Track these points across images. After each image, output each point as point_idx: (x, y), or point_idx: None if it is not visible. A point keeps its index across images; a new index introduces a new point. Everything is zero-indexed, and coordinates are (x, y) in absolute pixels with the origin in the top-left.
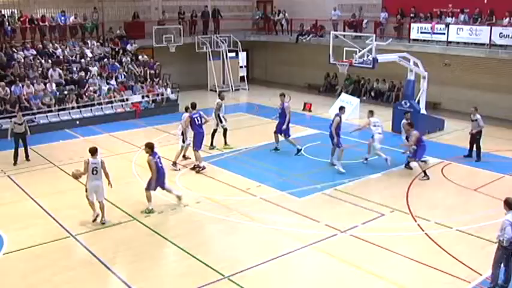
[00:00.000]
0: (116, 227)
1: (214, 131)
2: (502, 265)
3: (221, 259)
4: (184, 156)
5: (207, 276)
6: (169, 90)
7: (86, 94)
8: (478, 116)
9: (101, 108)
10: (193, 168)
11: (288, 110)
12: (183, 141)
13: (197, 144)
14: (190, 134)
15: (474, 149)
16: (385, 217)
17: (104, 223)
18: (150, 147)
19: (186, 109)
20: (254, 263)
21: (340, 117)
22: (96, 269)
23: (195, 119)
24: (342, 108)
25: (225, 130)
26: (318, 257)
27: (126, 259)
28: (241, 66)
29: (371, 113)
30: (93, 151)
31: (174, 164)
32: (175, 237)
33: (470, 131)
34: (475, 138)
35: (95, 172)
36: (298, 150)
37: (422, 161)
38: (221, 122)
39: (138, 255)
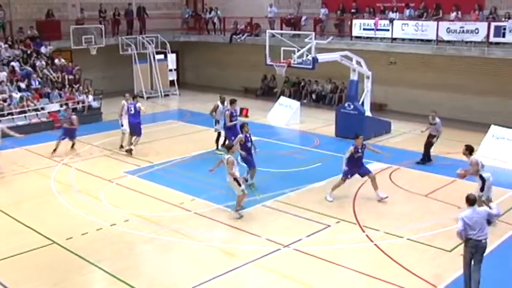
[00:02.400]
0: (33, 252)
1: (219, 134)
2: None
3: (154, 283)
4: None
5: None
6: (91, 97)
7: None
8: (438, 120)
9: (13, 119)
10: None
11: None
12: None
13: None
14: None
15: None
16: (331, 228)
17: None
18: None
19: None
20: (190, 284)
21: (355, 149)
22: None
23: (129, 108)
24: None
25: (218, 133)
26: (260, 274)
27: None
28: (170, 70)
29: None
30: None
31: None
32: (101, 261)
33: (424, 131)
34: (431, 142)
35: None
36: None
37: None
38: (215, 124)
39: (59, 284)
